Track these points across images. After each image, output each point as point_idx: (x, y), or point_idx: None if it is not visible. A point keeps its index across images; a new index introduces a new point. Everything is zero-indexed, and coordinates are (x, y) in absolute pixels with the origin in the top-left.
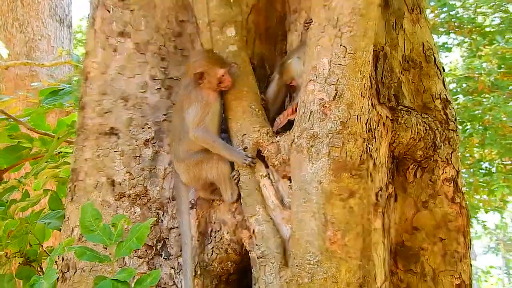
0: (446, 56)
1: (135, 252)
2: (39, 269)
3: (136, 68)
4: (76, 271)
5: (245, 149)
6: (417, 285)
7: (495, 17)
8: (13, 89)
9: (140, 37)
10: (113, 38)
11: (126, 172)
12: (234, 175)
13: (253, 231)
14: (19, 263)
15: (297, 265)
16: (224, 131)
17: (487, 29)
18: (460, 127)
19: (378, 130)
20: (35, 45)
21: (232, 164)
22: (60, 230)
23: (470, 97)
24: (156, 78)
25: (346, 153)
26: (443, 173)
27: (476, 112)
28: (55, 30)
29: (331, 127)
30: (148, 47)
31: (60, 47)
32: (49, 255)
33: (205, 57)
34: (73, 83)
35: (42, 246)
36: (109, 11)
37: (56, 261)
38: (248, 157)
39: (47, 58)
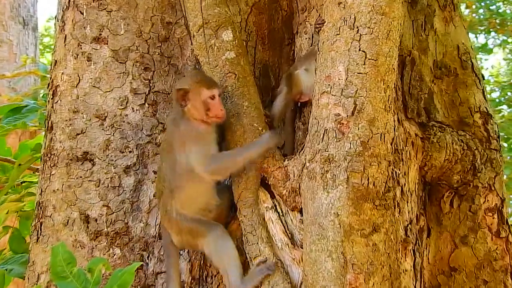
0: (485, 59)
1: None
2: None
3: (114, 80)
4: None
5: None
6: None
7: None
8: None
9: (119, 43)
10: (86, 44)
11: (103, 205)
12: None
13: None
14: None
15: None
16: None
17: None
18: (505, 144)
19: (406, 151)
20: None
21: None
22: (23, 278)
23: None
24: (139, 92)
25: (368, 179)
26: (485, 201)
27: None
28: (18, 34)
29: (350, 148)
30: (129, 54)
31: (24, 54)
32: None
33: (192, 76)
34: (39, 98)
35: None
36: (82, 13)
37: None
38: (275, 133)
39: (8, 68)
